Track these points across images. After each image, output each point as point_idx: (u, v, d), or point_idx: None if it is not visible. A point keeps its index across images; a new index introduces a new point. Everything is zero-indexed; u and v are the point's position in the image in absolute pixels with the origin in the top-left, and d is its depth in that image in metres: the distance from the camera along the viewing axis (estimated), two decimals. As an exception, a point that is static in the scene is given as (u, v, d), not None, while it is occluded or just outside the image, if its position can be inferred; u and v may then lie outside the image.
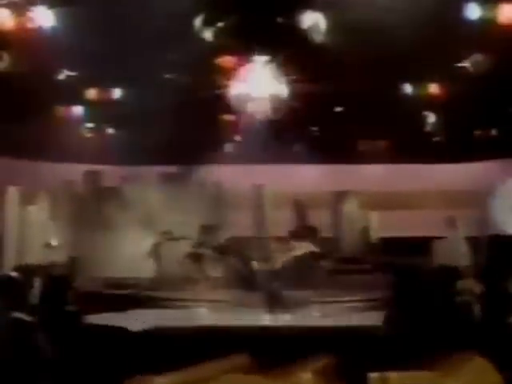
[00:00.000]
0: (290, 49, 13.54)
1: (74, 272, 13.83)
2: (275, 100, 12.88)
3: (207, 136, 18.70)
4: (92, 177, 17.13)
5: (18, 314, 4.35)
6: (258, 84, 12.99)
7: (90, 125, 18.06)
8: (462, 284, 10.37)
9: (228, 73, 14.23)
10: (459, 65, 15.32)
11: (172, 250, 15.73)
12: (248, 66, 13.41)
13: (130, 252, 16.08)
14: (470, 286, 10.15)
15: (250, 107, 12.80)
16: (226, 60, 14.19)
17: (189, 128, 17.55)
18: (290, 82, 14.23)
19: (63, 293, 5.04)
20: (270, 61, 13.37)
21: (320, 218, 19.86)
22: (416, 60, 14.71)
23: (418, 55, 14.37)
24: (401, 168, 20.58)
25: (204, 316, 11.00)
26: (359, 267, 17.94)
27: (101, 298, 13.29)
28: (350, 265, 17.76)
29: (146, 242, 16.03)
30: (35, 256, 15.42)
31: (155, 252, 15.93)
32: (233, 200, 18.12)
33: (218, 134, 18.75)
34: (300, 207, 19.50)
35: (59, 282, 5.01)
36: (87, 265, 15.31)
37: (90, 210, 16.43)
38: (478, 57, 14.63)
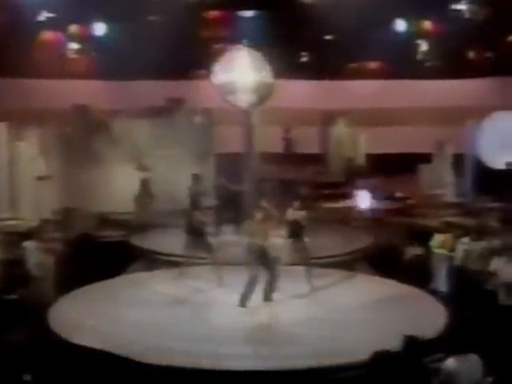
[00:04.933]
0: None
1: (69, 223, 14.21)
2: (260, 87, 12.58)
3: (196, 54, 18.57)
4: (81, 111, 16.86)
5: None
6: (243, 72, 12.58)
7: (74, 46, 17.66)
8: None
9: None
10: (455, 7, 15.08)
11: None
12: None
13: (120, 187, 16.29)
14: None
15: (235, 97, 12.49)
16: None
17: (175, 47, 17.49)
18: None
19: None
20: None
21: (308, 136, 19.99)
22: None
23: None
24: (391, 84, 20.34)
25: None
26: (341, 191, 18.27)
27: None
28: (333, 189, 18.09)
29: (135, 176, 16.24)
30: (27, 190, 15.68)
31: (143, 188, 16.19)
32: (221, 118, 18.01)
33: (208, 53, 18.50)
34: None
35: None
36: (78, 200, 15.62)
37: (80, 145, 16.38)
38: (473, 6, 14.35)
